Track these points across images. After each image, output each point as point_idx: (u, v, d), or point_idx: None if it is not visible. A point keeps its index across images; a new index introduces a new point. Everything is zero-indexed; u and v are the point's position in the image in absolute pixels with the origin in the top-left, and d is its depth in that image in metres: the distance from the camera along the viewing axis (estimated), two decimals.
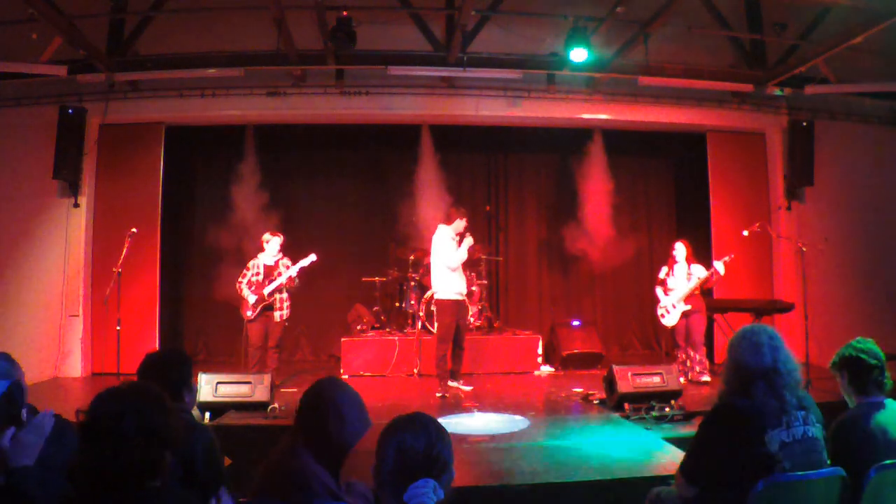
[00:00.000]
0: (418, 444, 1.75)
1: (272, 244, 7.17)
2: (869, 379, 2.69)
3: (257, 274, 7.12)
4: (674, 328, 7.48)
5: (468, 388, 7.05)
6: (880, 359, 2.71)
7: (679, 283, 7.39)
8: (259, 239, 7.35)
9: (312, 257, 7.06)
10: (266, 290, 7.04)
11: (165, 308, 8.81)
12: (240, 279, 7.19)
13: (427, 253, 7.42)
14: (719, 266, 7.23)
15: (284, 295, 7.14)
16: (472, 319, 8.37)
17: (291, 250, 7.40)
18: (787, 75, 8.40)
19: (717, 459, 2.40)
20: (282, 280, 7.03)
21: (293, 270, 7.03)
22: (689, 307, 7.32)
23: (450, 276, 6.90)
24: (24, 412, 2.00)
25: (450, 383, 6.98)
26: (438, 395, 6.82)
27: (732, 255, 7.32)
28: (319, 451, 2.18)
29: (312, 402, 2.28)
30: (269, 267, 7.14)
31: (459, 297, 6.96)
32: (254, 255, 7.32)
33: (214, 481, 2.34)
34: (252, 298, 7.08)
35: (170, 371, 2.55)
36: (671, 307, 7.41)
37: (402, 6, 8.13)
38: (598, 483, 4.03)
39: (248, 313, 7.11)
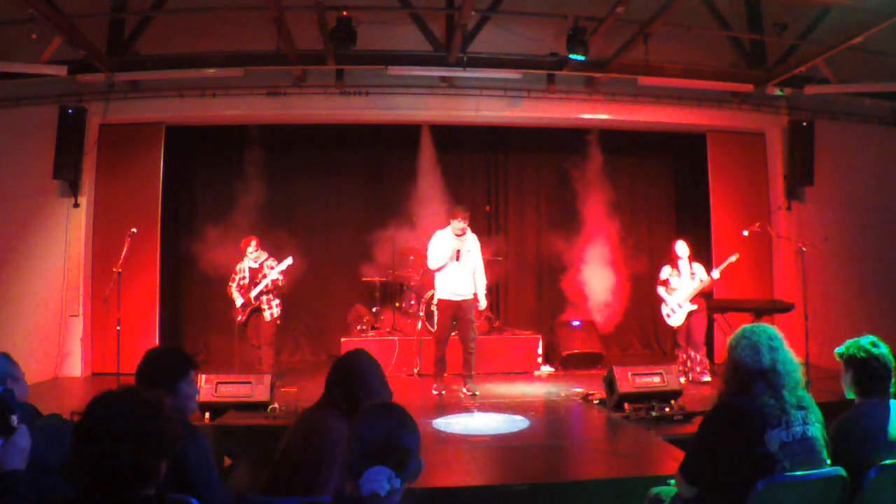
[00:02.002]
0: (377, 433, 1.78)
1: (249, 249, 7.34)
2: (873, 385, 2.67)
3: (243, 278, 7.34)
4: (677, 328, 7.48)
5: (471, 394, 6.85)
6: (889, 368, 2.67)
7: (683, 283, 7.38)
8: (258, 238, 7.49)
9: (289, 260, 7.24)
10: (252, 294, 7.22)
11: (165, 308, 8.81)
12: (230, 283, 7.42)
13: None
14: (716, 274, 7.33)
15: (271, 295, 7.28)
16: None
17: (291, 250, 7.45)
18: (787, 75, 8.39)
19: (716, 459, 2.40)
20: (266, 282, 7.18)
21: (274, 273, 7.19)
22: (695, 307, 7.34)
23: (445, 276, 6.87)
24: (14, 418, 1.99)
25: (464, 390, 6.85)
26: (434, 391, 6.83)
27: (738, 255, 7.29)
28: (345, 412, 2.64)
29: (342, 371, 2.78)
30: (254, 270, 7.30)
31: (455, 298, 6.85)
32: (241, 259, 7.44)
33: (205, 486, 2.32)
34: (239, 301, 7.31)
35: (163, 369, 2.53)
36: (677, 307, 7.39)
37: (402, 6, 8.13)
38: (598, 483, 4.03)
39: (239, 317, 7.35)
